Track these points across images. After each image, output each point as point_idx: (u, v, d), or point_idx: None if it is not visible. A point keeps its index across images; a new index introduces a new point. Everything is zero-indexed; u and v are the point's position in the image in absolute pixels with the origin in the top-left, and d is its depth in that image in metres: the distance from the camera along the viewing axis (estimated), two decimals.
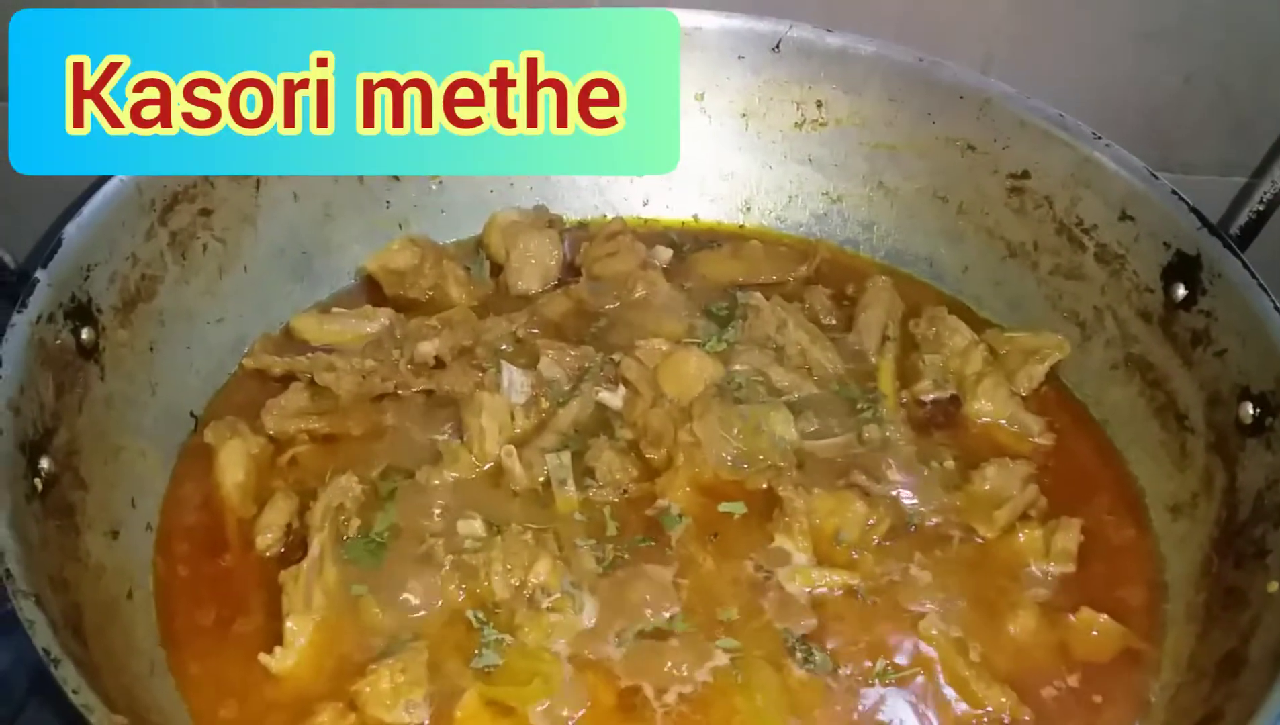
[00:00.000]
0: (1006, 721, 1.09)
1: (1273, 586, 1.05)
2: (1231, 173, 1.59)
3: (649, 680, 1.11)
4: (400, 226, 1.56)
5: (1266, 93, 1.53)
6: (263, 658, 1.11)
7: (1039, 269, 1.47)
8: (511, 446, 1.28)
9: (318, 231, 1.50)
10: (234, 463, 1.27)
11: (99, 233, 1.24)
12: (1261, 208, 1.29)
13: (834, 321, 1.49)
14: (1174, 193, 1.32)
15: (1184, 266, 1.30)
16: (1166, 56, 1.54)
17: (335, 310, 1.46)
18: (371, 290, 1.51)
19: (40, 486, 1.07)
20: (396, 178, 1.55)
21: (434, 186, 1.58)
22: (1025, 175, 1.47)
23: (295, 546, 1.20)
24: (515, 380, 1.35)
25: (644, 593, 1.16)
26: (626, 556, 1.20)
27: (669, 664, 1.11)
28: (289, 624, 1.12)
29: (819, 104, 1.57)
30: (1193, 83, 1.56)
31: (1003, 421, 1.37)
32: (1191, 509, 1.24)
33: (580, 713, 1.09)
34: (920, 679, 1.12)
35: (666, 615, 1.15)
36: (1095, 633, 1.16)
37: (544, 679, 1.10)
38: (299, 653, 1.12)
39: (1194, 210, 1.30)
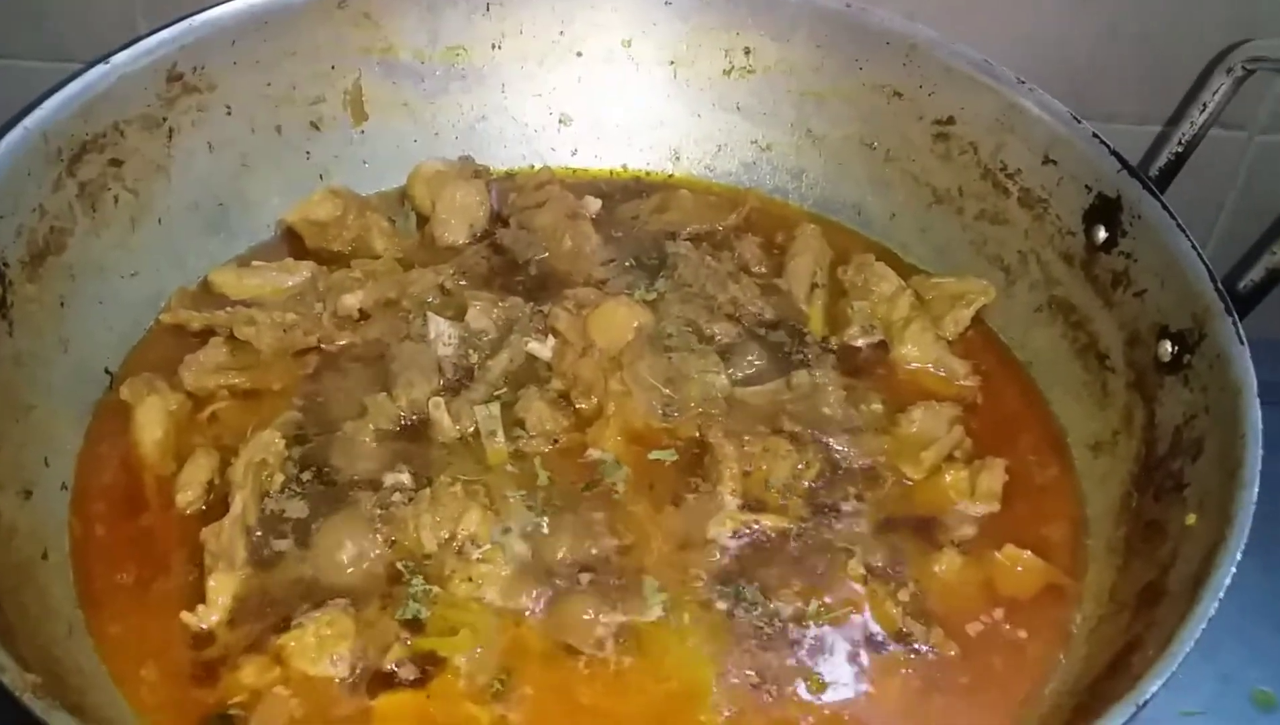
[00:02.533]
0: (934, 657, 1.10)
1: (1191, 519, 1.07)
2: (1148, 122, 1.61)
3: (580, 626, 1.10)
4: (321, 177, 1.52)
5: (1184, 45, 1.55)
6: (185, 616, 1.08)
7: (964, 214, 1.48)
8: (439, 398, 1.26)
9: (234, 183, 1.46)
10: (152, 420, 1.24)
11: (3, 184, 1.19)
12: (1180, 150, 1.31)
13: (764, 269, 1.48)
14: (1095, 136, 1.33)
15: (1105, 209, 1.31)
16: (1090, 9, 1.55)
17: (255, 263, 1.42)
18: (292, 243, 1.48)
19: None
20: (316, 127, 1.52)
21: (356, 136, 1.54)
22: (950, 121, 1.47)
23: (217, 504, 1.18)
24: (442, 331, 1.33)
25: (575, 542, 1.16)
26: (559, 505, 1.19)
27: (600, 609, 1.10)
28: (211, 581, 1.10)
29: (747, 51, 1.56)
30: (1115, 35, 1.57)
31: (929, 365, 1.37)
32: (1112, 446, 1.26)
33: (508, 661, 1.08)
34: (850, 617, 1.13)
35: (598, 563, 1.15)
36: (1019, 569, 1.17)
37: (472, 629, 1.09)
38: (222, 610, 1.09)
39: (1114, 153, 1.31)
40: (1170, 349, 1.20)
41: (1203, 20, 1.54)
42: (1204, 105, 1.29)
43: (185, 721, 1.03)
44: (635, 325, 1.35)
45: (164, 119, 1.38)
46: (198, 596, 1.10)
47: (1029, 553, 1.18)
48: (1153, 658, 0.93)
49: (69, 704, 0.87)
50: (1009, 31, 1.56)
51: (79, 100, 1.29)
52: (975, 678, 1.09)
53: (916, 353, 1.38)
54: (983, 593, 1.16)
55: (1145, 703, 0.88)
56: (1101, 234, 1.31)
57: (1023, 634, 1.13)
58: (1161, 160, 1.32)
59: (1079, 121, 1.35)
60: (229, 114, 1.44)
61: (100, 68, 1.32)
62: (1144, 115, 1.61)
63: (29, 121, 1.24)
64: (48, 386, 1.22)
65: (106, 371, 1.30)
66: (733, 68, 1.58)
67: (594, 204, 1.55)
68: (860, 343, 1.40)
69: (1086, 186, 1.33)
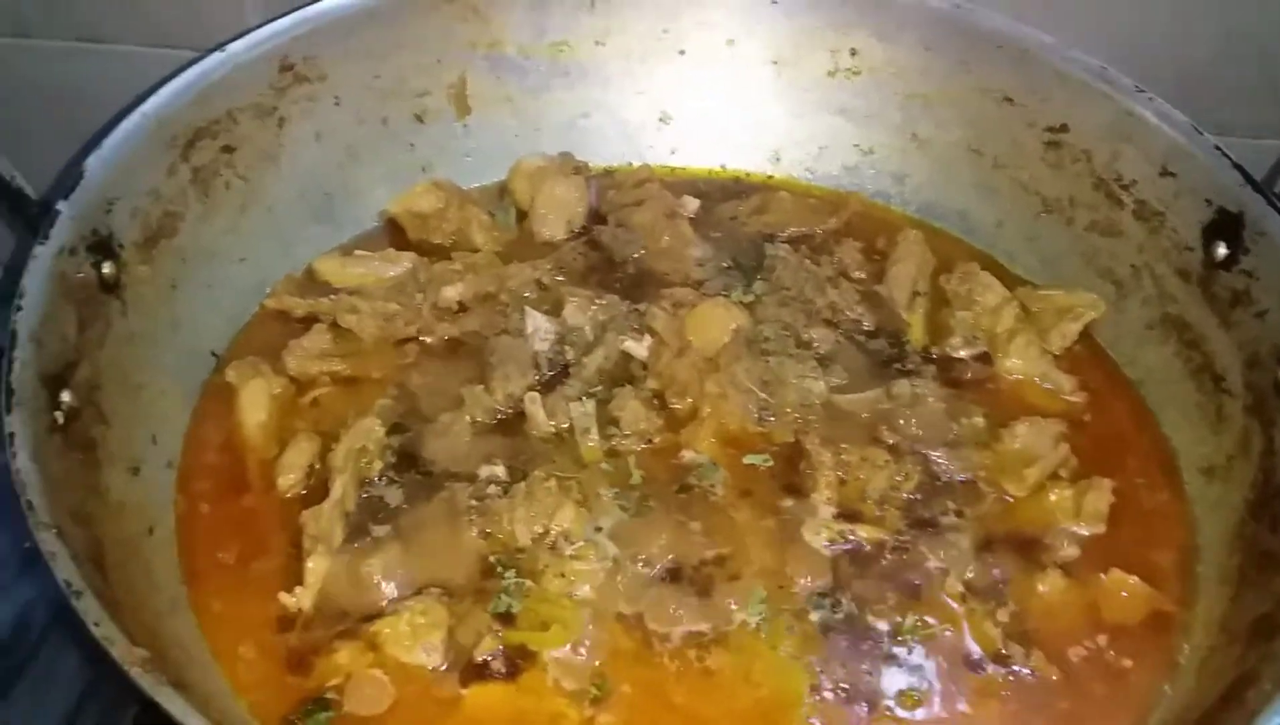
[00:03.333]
0: (1033, 681, 1.07)
1: None
2: (1265, 135, 1.55)
3: (671, 628, 1.09)
4: (424, 170, 1.53)
5: None
6: (283, 597, 1.10)
7: (1074, 225, 1.44)
8: (535, 393, 1.27)
9: (341, 173, 1.48)
10: (256, 403, 1.26)
11: (121, 166, 1.22)
12: None
13: (864, 275, 1.46)
14: (1217, 149, 1.29)
15: (1226, 225, 1.27)
16: (1205, 15, 1.50)
17: (358, 253, 1.44)
18: (394, 234, 1.49)
19: (61, 419, 1.06)
20: (420, 120, 1.53)
21: (459, 130, 1.55)
22: (1063, 129, 1.43)
23: (317, 488, 1.19)
24: (540, 326, 1.33)
25: (670, 543, 1.15)
26: (653, 505, 1.18)
27: (692, 613, 1.10)
28: (310, 564, 1.11)
29: (853, 52, 1.54)
30: (1231, 42, 1.52)
31: (1035, 379, 1.34)
32: (1226, 472, 1.21)
33: (600, 659, 1.08)
34: (947, 635, 1.10)
35: (693, 564, 1.14)
36: (1125, 594, 1.14)
37: (563, 625, 1.09)
38: (319, 593, 1.11)
39: (1238, 167, 1.27)
40: None
41: None
42: None
43: (281, 701, 1.04)
44: (733, 327, 1.34)
45: (275, 108, 1.40)
46: (295, 578, 1.12)
47: (1135, 578, 1.14)
48: (1270, 693, 0.89)
49: (172, 680, 0.89)
50: (1121, 36, 1.52)
51: (195, 88, 1.31)
52: (1076, 704, 1.06)
53: (1021, 366, 1.35)
54: (1086, 617, 1.13)
55: None
56: (1221, 250, 1.27)
57: (1127, 662, 1.09)
58: None
59: (1200, 133, 1.31)
60: (337, 104, 1.46)
61: (216, 56, 1.34)
62: (1261, 128, 1.55)
63: (146, 108, 1.27)
64: (157, 366, 1.24)
65: (213, 353, 1.33)
66: (837, 69, 1.56)
67: (692, 203, 1.54)
68: (962, 354, 1.37)
69: (1207, 200, 1.29)
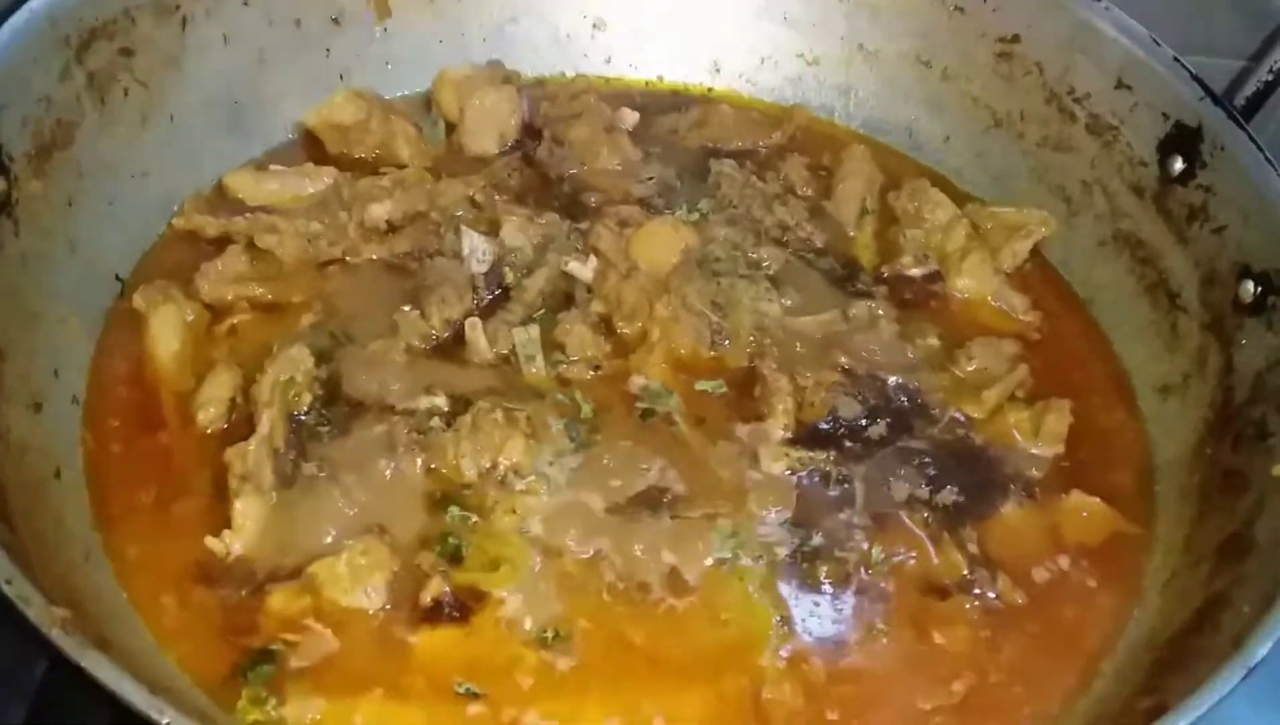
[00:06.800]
0: (1001, 606, 1.05)
1: (1277, 469, 1.02)
2: (1226, 55, 1.51)
3: (628, 563, 1.04)
4: (342, 78, 1.42)
5: None
6: (210, 541, 1.01)
7: (1025, 140, 1.41)
8: (476, 319, 1.19)
9: (251, 79, 1.36)
10: (167, 331, 1.16)
11: (8, 70, 1.09)
12: (1269, 78, 1.23)
13: (810, 192, 1.41)
14: (1176, 60, 1.26)
15: (1183, 139, 1.24)
16: None
17: (273, 167, 1.33)
18: (311, 147, 1.39)
19: None
20: (337, 22, 1.41)
21: (379, 34, 1.44)
22: (1015, 39, 1.39)
23: (240, 423, 1.10)
24: (477, 246, 1.25)
25: (622, 474, 1.09)
26: (606, 437, 1.12)
27: (650, 547, 1.05)
28: (238, 505, 1.03)
29: None
30: None
31: (987, 298, 1.31)
32: (1183, 390, 1.20)
33: (555, 599, 1.02)
34: (913, 562, 1.07)
35: (650, 497, 1.08)
36: (1086, 515, 1.12)
37: (512, 564, 1.03)
38: (249, 535, 1.02)
39: (1197, 79, 1.24)
40: (1253, 290, 1.14)
41: None
42: None
43: (211, 653, 0.96)
44: (682, 247, 1.27)
45: (177, 6, 1.27)
46: (220, 520, 1.03)
47: (1096, 499, 1.12)
48: (1251, 616, 0.88)
49: (93, 637, 0.80)
50: None
51: None
52: (1045, 627, 1.05)
53: (973, 285, 1.32)
54: (1048, 538, 1.11)
55: (1255, 667, 0.84)
56: (1178, 165, 1.24)
57: (1092, 583, 1.08)
58: (1249, 89, 1.24)
59: (1159, 45, 1.28)
60: (245, 4, 1.34)
61: None
62: (1222, 48, 1.50)
63: (35, 4, 1.13)
64: (55, 291, 1.13)
65: (117, 277, 1.21)
66: None
67: (631, 117, 1.47)
68: (913, 272, 1.34)
69: (1164, 114, 1.26)
